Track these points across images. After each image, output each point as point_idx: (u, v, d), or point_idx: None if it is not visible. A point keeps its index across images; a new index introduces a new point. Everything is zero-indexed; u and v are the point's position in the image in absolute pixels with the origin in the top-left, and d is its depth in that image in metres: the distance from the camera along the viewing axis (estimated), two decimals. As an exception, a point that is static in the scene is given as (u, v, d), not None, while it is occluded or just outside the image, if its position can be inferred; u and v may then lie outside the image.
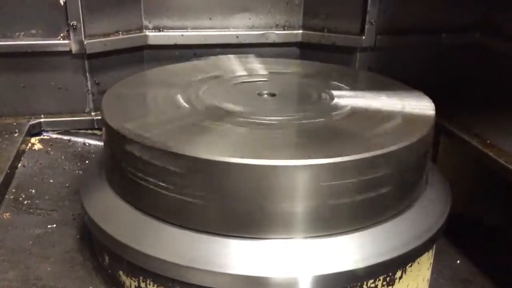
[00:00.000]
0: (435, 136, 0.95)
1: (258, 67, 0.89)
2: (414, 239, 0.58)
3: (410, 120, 0.67)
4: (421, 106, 0.72)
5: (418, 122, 0.65)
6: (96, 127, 1.02)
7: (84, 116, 1.02)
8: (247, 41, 1.09)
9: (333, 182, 0.54)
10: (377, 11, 1.04)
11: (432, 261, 0.68)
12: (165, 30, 1.05)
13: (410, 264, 0.60)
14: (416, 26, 1.09)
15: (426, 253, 0.63)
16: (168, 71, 0.87)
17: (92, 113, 1.02)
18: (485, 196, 0.92)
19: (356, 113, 0.69)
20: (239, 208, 0.55)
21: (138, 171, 0.59)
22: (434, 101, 0.75)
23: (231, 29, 1.08)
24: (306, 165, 0.53)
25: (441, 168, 0.81)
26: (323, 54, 1.09)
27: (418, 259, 0.61)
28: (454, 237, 0.82)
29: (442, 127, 0.93)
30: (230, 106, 0.69)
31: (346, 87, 0.79)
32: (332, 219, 0.56)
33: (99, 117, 0.98)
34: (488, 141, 0.86)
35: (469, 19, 1.10)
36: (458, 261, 0.80)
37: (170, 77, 0.82)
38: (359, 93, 0.76)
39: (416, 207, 0.63)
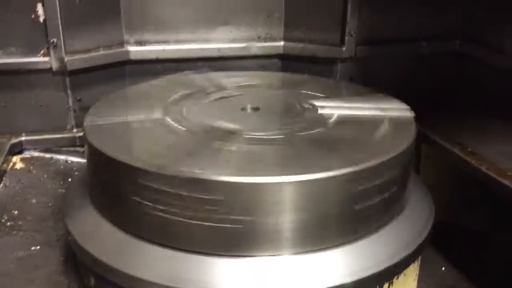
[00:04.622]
0: (417, 144, 0.97)
1: (237, 81, 0.89)
2: (400, 252, 0.59)
3: (392, 132, 0.68)
4: (403, 116, 0.73)
5: (400, 134, 0.66)
6: (78, 144, 1.00)
7: (65, 133, 1.01)
8: (229, 54, 1.09)
9: (319, 197, 0.55)
10: (356, 22, 1.05)
11: (418, 271, 0.68)
12: (146, 45, 1.04)
13: (396, 276, 0.61)
14: (396, 36, 1.11)
15: (412, 264, 0.63)
16: (148, 87, 0.87)
17: (73, 130, 1.01)
18: (468, 203, 0.94)
19: (341, 126, 0.69)
20: (225, 226, 0.54)
21: (121, 191, 0.59)
22: (415, 110, 0.76)
23: (213, 43, 1.09)
24: (291, 182, 0.53)
25: (423, 176, 0.82)
26: (305, 65, 1.10)
27: (405, 270, 0.62)
28: (438, 244, 0.83)
29: (423, 135, 0.94)
30: (214, 123, 0.69)
31: (327, 99, 0.79)
32: (319, 235, 0.56)
33: (81, 134, 0.97)
34: (469, 149, 0.87)
35: (448, 27, 1.12)
36: (443, 268, 0.81)
37: (151, 93, 0.82)
38: (341, 105, 0.77)
39: (401, 218, 0.64)
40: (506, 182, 0.76)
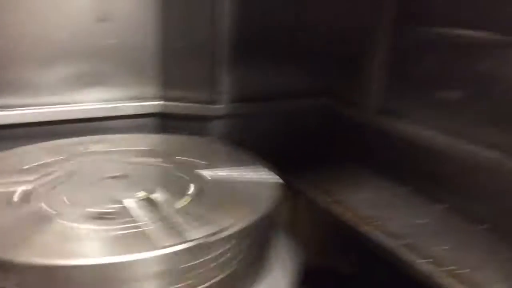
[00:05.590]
0: (291, 196, 1.00)
1: (99, 146, 0.87)
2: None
3: (256, 193, 0.69)
4: (269, 180, 0.74)
5: (264, 198, 0.67)
6: None
7: None
8: (101, 114, 1.06)
9: (173, 269, 0.53)
10: (228, 81, 1.09)
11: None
12: (3, 110, 0.97)
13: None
14: (268, 93, 1.16)
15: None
16: None
17: None
18: (338, 249, 0.98)
19: (205, 192, 0.69)
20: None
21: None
22: (286, 162, 0.78)
23: (83, 104, 1.05)
24: (133, 260, 0.51)
25: (299, 226, 0.85)
26: (180, 123, 1.10)
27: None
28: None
29: (296, 188, 0.98)
30: (67, 198, 0.66)
31: (197, 163, 0.79)
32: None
33: None
34: (335, 198, 0.93)
35: (315, 85, 1.20)
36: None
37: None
38: (210, 169, 0.77)
39: (269, 278, 0.64)
40: (363, 229, 0.81)
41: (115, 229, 0.57)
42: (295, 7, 1.14)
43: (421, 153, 0.93)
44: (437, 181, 0.90)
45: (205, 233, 0.56)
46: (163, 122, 1.13)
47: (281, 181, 0.73)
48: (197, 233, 0.56)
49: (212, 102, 1.09)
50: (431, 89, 0.94)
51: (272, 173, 0.76)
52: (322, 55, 1.19)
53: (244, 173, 0.76)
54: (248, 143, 0.91)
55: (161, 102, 1.12)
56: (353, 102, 1.12)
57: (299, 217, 1.01)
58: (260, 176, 0.75)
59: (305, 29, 1.16)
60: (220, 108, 1.09)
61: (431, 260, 0.74)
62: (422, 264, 0.73)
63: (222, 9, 1.06)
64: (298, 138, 1.17)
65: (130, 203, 0.64)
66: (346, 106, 1.14)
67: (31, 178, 0.70)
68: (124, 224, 0.59)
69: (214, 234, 0.57)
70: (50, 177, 0.71)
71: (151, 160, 0.82)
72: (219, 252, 0.57)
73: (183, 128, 1.08)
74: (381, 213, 0.89)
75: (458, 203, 0.87)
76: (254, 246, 0.63)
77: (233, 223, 0.59)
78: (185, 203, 0.66)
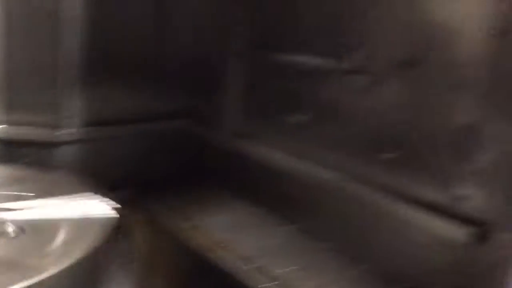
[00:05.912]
0: (143, 226, 0.95)
1: None
2: None
3: (84, 230, 0.64)
4: (101, 212, 0.69)
5: (93, 231, 0.62)
6: None
7: None
8: None
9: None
10: (79, 103, 1.02)
11: None
12: None
13: None
14: (126, 117, 1.11)
15: None
16: None
17: None
18: (195, 274, 0.95)
19: (27, 233, 0.62)
20: None
21: None
22: (145, 188, 0.73)
23: None
24: None
25: (150, 252, 0.81)
26: (25, 150, 1.00)
27: None
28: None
29: (151, 212, 0.94)
30: None
31: (27, 198, 0.71)
32: None
33: None
34: (192, 223, 0.90)
35: (177, 107, 1.18)
36: None
37: None
38: (37, 206, 0.69)
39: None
40: (217, 255, 0.80)
41: None
42: (153, 29, 1.12)
43: (274, 175, 0.95)
44: (288, 202, 0.92)
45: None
46: (7, 148, 1.02)
47: (115, 214, 0.68)
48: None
49: (59, 126, 1.01)
50: (282, 113, 0.97)
51: (108, 206, 0.71)
52: (182, 78, 1.16)
53: (75, 207, 0.70)
54: (102, 170, 0.85)
55: (4, 127, 1.01)
56: (211, 125, 1.12)
57: (155, 243, 0.97)
58: (92, 210, 0.70)
59: (164, 52, 1.13)
60: (69, 133, 1.01)
61: (277, 282, 0.74)
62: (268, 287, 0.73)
63: (69, 28, 0.99)
64: (158, 162, 1.13)
65: None
66: (205, 129, 1.14)
67: None
68: None
69: (30, 278, 0.51)
70: None
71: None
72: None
73: (28, 155, 0.99)
74: (236, 236, 0.89)
75: (307, 223, 0.89)
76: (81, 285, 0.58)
77: (52, 264, 0.54)
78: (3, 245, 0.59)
